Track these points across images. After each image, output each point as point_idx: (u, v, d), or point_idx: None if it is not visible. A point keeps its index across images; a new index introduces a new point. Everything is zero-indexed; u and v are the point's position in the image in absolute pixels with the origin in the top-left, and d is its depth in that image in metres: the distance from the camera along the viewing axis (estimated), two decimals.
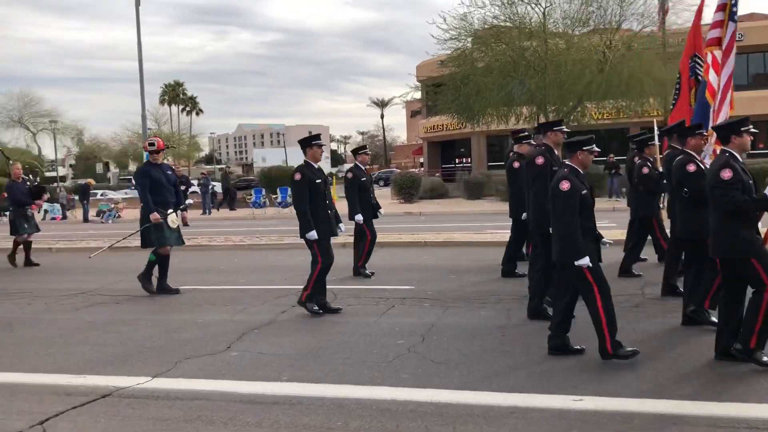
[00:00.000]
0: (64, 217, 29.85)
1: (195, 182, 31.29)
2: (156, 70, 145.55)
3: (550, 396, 4.63)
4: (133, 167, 44.50)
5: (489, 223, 15.74)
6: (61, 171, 59.73)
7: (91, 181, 33.10)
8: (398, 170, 49.24)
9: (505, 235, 9.74)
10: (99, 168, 68.51)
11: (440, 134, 37.88)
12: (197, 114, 78.64)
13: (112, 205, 28.58)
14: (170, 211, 9.07)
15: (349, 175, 9.84)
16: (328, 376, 5.26)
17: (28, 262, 12.62)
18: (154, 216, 8.78)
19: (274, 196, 28.83)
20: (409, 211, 22.88)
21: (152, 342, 6.61)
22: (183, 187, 22.66)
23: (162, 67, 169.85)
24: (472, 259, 11.03)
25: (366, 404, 4.64)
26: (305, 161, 7.54)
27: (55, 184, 38.24)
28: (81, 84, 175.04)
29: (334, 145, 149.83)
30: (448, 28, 22.62)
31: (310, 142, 7.54)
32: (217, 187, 33.25)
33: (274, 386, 5.09)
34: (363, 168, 10.06)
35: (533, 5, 22.09)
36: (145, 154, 10.53)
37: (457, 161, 40.37)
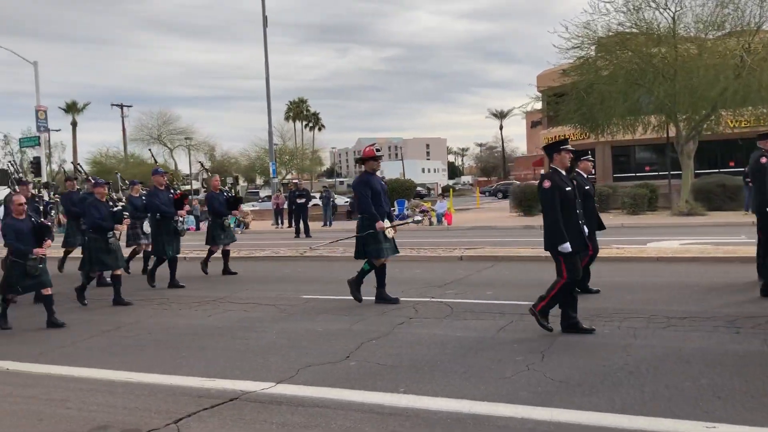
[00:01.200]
0: (198, 227, 31.74)
1: (317, 195, 32.32)
2: (281, 88, 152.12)
3: (679, 421, 4.37)
4: (260, 181, 46.62)
5: (615, 238, 15.11)
6: (195, 185, 63.61)
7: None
8: (518, 182, 48.41)
9: (617, 250, 9.29)
10: (229, 181, 72.29)
11: None
12: (319, 129, 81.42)
13: (241, 217, 30.06)
14: (388, 224, 9.04)
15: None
16: (445, 390, 5.25)
17: (227, 271, 12.77)
18: (380, 225, 8.83)
19: (391, 209, 29.26)
20: (528, 224, 22.41)
21: (276, 349, 6.88)
22: (303, 200, 23.55)
23: (287, 84, 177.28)
24: (601, 274, 10.62)
25: (483, 420, 4.59)
26: (552, 168, 7.01)
27: (190, 197, 40.75)
28: (213, 102, 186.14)
29: (451, 158, 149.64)
30: (571, 36, 22.13)
31: (557, 147, 6.98)
32: (338, 199, 34.17)
33: (392, 397, 5.14)
34: (585, 175, 9.01)
35: (661, 10, 21.12)
36: (272, 168, 10.96)
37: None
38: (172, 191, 11.96)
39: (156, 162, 14.56)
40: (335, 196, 34.97)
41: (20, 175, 14.82)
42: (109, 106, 60.58)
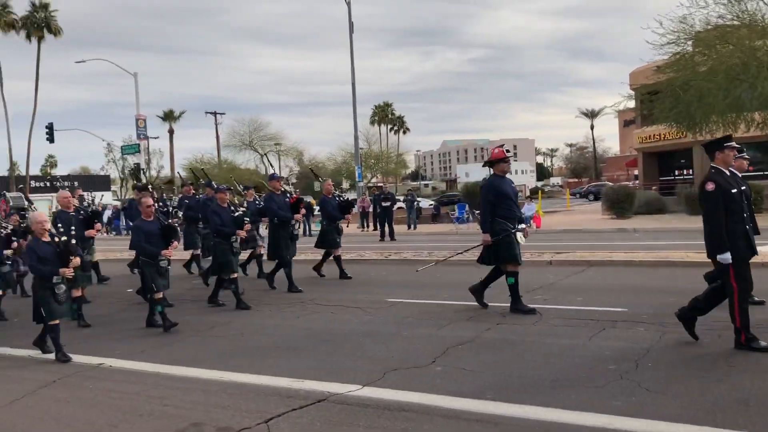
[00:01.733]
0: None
1: (401, 198, 32.45)
2: (367, 92, 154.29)
3: None
4: (346, 185, 47.31)
5: None
6: (286, 188, 65.12)
7: (312, 200, 35.74)
8: (610, 183, 46.86)
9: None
10: (316, 186, 73.78)
11: (657, 144, 35.42)
12: (404, 132, 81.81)
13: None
14: (521, 225, 8.59)
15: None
16: (533, 398, 5.14)
17: (343, 275, 12.48)
18: (485, 238, 8.39)
19: (477, 212, 28.95)
20: (621, 227, 21.65)
21: (362, 352, 6.95)
22: (387, 203, 23.69)
23: (372, 89, 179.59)
24: (695, 280, 10.11)
25: (572, 429, 4.47)
26: (714, 168, 6.35)
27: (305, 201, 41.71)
28: (301, 108, 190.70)
29: (539, 159, 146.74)
30: (665, 32, 21.21)
31: (721, 145, 6.42)
32: (422, 202, 34.16)
33: (478, 404, 5.08)
34: (739, 174, 6.99)
35: (766, 1, 19.91)
36: (358, 172, 11.10)
37: (676, 173, 37.44)
38: (287, 196, 11.82)
39: (272, 166, 14.96)
40: (419, 199, 34.98)
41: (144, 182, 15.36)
42: (203, 114, 63.16)
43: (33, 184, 48.65)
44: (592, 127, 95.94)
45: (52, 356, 7.50)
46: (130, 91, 40.74)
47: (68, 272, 7.29)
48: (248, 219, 10.52)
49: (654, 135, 34.69)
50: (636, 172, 45.90)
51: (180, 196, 13.88)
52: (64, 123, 62.42)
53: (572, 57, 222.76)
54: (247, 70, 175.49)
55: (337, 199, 12.82)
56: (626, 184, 39.54)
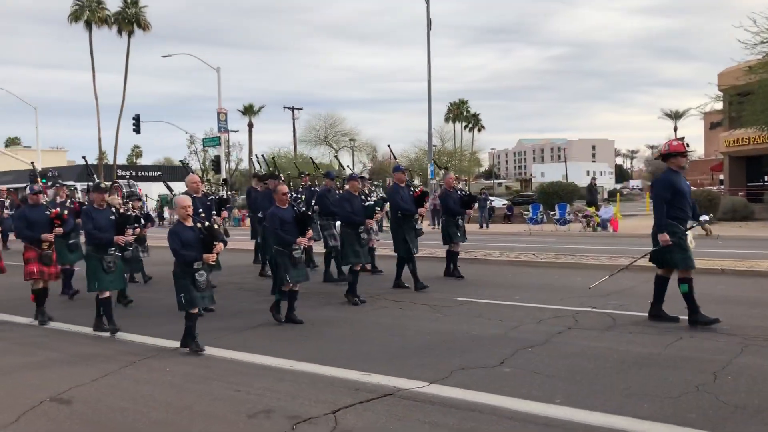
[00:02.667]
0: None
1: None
2: (443, 90, 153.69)
3: None
4: (417, 181, 47.30)
5: None
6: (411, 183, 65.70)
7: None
8: (693, 188, 45.07)
9: None
10: (389, 182, 74.08)
11: (745, 148, 33.82)
12: (479, 130, 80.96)
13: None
14: (690, 224, 7.96)
15: None
16: (605, 405, 5.02)
17: (456, 273, 12.10)
18: (664, 238, 7.73)
19: (551, 213, 28.38)
20: (702, 232, 20.82)
21: (430, 349, 6.96)
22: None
23: (448, 86, 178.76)
24: None
25: None
26: None
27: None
28: (377, 105, 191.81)
29: (619, 160, 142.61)
30: (759, 30, 20.26)
31: None
32: (496, 201, 33.78)
33: (546, 407, 5.01)
34: None
35: None
36: (430, 169, 11.07)
37: (766, 179, 35.65)
38: (411, 189, 11.22)
39: (395, 159, 13.70)
40: (492, 198, 34.61)
41: (270, 170, 14.00)
42: (281, 109, 64.25)
43: (119, 172, 50.93)
44: (675, 129, 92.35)
45: (133, 337, 7.86)
46: (213, 86, 42.13)
47: (211, 258, 7.03)
48: (379, 208, 10.25)
49: (742, 138, 33.14)
50: (721, 176, 43.98)
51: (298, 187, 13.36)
52: (150, 115, 65.40)
53: (657, 56, 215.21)
54: (325, 67, 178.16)
55: (459, 193, 12.10)
56: (710, 188, 37.89)
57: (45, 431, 4.89)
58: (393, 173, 11.64)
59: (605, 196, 48.54)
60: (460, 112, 78.49)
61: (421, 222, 11.36)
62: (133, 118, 40.72)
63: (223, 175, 39.68)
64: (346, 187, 10.39)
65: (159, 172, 56.99)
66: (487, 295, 10.11)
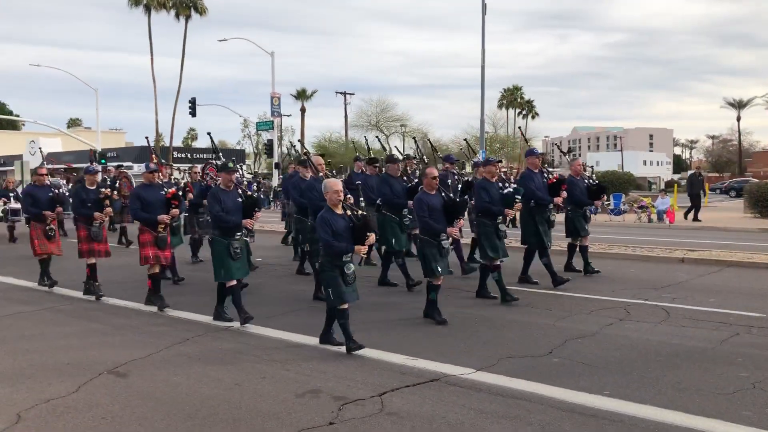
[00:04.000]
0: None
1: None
2: (497, 76, 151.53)
3: None
4: (468, 168, 46.94)
5: None
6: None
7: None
8: (755, 179, 43.45)
9: None
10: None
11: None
12: (533, 117, 79.72)
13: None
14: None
15: None
16: (654, 399, 4.93)
17: (589, 268, 10.93)
18: None
19: (606, 203, 27.81)
20: (765, 227, 20.06)
21: (477, 336, 6.95)
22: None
23: (502, 72, 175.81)
24: None
25: None
26: None
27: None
28: (428, 90, 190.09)
29: (678, 150, 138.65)
30: None
31: None
32: None
33: (594, 399, 4.95)
34: None
35: None
36: (481, 156, 10.84)
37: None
38: (545, 176, 10.07)
39: (527, 141, 11.98)
40: None
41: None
42: (334, 94, 64.76)
43: (175, 154, 52.14)
44: (738, 119, 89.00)
45: (185, 314, 8.08)
46: (267, 70, 42.58)
47: (363, 250, 6.39)
48: (519, 198, 8.97)
49: None
50: None
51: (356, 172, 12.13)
52: (205, 98, 66.50)
53: (720, 43, 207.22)
54: (379, 51, 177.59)
55: (586, 182, 10.85)
56: None
57: (103, 402, 5.09)
58: (526, 158, 10.42)
59: (662, 186, 47.27)
60: (513, 99, 77.34)
61: (556, 212, 10.22)
62: (189, 101, 41.50)
63: (276, 159, 40.14)
64: (482, 171, 9.34)
65: (213, 155, 58.04)
66: (537, 284, 9.98)
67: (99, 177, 9.92)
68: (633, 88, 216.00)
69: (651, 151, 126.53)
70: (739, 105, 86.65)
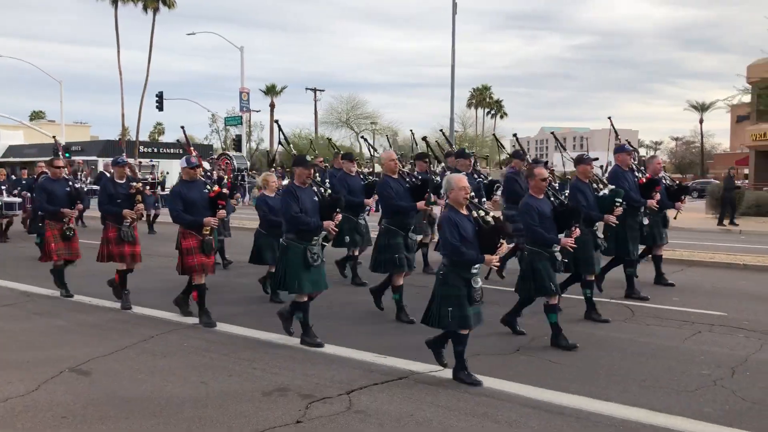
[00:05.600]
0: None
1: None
2: (466, 75, 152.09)
3: None
4: (438, 168, 47.12)
5: None
6: (377, 168, 65.84)
7: None
8: (716, 181, 44.44)
9: None
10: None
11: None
12: (501, 117, 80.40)
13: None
14: None
15: None
16: (620, 396, 5.00)
17: (660, 280, 9.91)
18: None
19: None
20: (726, 228, 20.53)
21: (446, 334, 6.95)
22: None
23: (472, 72, 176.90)
24: None
25: None
26: None
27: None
28: (399, 89, 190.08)
29: (643, 151, 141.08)
30: None
31: None
32: None
33: (561, 396, 5.00)
34: None
35: None
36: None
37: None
38: (636, 174, 9.01)
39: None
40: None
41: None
42: (303, 90, 64.27)
43: (141, 149, 51.32)
44: (701, 121, 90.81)
45: (149, 312, 7.93)
46: (236, 65, 42.21)
47: (494, 260, 5.37)
48: (620, 202, 7.69)
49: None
50: (746, 170, 43.33)
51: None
52: (173, 93, 65.37)
53: (685, 47, 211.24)
54: (349, 49, 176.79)
55: (665, 182, 9.46)
56: (735, 183, 37.27)
57: (64, 401, 4.97)
58: (615, 154, 9.26)
59: None
60: (482, 98, 77.91)
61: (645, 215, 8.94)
62: (157, 96, 40.87)
63: (244, 154, 39.77)
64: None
65: (180, 150, 57.39)
66: (503, 283, 10.04)
67: (128, 170, 8.69)
68: (600, 90, 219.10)
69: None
70: (702, 108, 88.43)
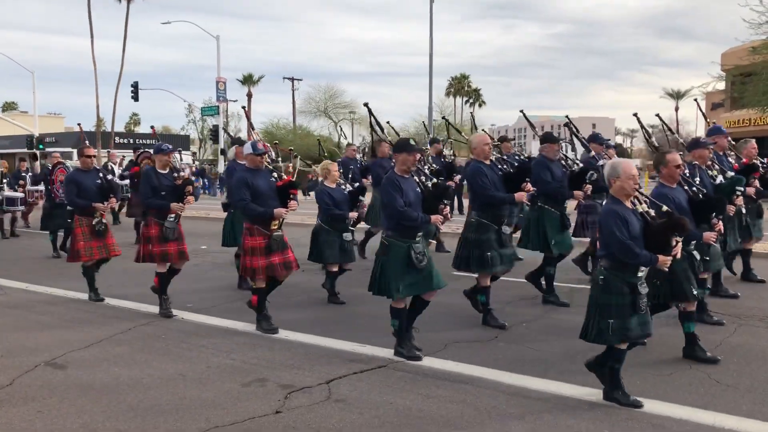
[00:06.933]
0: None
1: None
2: (445, 64, 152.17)
3: None
4: (447, 150, 46.96)
5: None
6: (358, 157, 65.63)
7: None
8: None
9: None
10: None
11: (746, 129, 33.70)
12: (480, 106, 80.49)
13: None
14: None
15: None
16: (596, 381, 5.02)
17: (747, 276, 9.06)
18: None
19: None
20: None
21: (425, 323, 6.96)
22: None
23: (450, 61, 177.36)
24: None
25: (637, 416, 4.38)
26: None
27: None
28: (378, 78, 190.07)
29: (619, 138, 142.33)
30: (765, 10, 20.03)
31: None
32: None
33: (540, 382, 5.04)
34: None
35: None
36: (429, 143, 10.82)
37: (766, 161, 35.64)
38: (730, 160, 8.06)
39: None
40: None
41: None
42: (281, 80, 63.75)
43: (117, 140, 50.64)
44: (676, 109, 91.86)
45: (126, 303, 7.85)
46: (212, 55, 41.80)
47: (668, 261, 4.59)
48: (742, 190, 7.00)
49: (743, 120, 33.08)
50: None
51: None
52: (149, 83, 64.59)
53: (660, 35, 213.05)
54: (327, 38, 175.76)
55: (763, 168, 8.34)
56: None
57: (39, 395, 4.90)
58: (709, 136, 8.25)
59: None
60: (461, 87, 77.92)
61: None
62: (132, 86, 40.34)
63: (221, 144, 39.48)
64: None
65: (156, 140, 56.74)
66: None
67: (176, 160, 7.89)
68: (576, 78, 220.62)
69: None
70: (677, 96, 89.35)
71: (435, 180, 5.95)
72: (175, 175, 7.38)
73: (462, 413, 4.49)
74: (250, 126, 8.58)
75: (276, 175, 6.64)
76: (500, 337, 6.32)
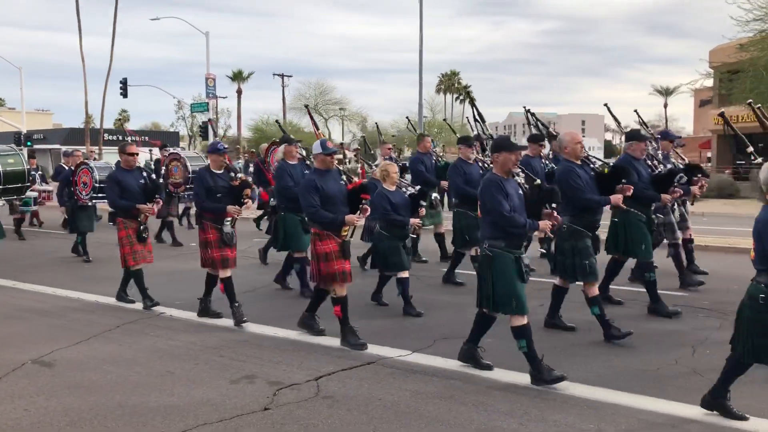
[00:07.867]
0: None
1: None
2: (435, 61, 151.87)
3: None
4: (407, 153, 46.96)
5: None
6: (348, 155, 65.68)
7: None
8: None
9: None
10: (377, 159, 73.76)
11: (735, 126, 34.07)
12: (470, 104, 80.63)
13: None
14: None
15: None
16: (585, 378, 5.09)
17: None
18: None
19: None
20: (690, 210, 20.97)
21: (414, 319, 7.00)
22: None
23: (441, 57, 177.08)
24: None
25: (622, 410, 4.43)
26: None
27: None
28: (368, 74, 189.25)
29: (608, 135, 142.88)
30: (752, 8, 20.18)
31: None
32: None
33: (526, 377, 5.07)
34: None
35: None
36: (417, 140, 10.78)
37: (753, 158, 35.81)
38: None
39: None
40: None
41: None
42: (271, 76, 63.51)
43: (106, 137, 50.33)
44: (665, 106, 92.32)
45: (113, 302, 7.81)
46: (202, 51, 41.47)
47: None
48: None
49: (731, 117, 33.23)
50: (709, 154, 44.18)
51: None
52: (138, 79, 63.89)
53: (649, 32, 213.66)
54: (317, 35, 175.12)
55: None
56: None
57: (26, 393, 4.88)
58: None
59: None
60: (451, 84, 77.96)
61: None
62: (121, 82, 40.02)
63: (210, 139, 39.30)
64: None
65: (146, 137, 56.51)
66: (463, 266, 10.02)
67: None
68: (566, 74, 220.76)
69: (584, 136, 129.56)
70: (666, 92, 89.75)
71: (537, 181, 5.37)
72: (232, 175, 6.93)
73: (450, 409, 4.51)
74: (314, 125, 8.14)
75: (345, 178, 6.25)
76: (488, 333, 6.34)
